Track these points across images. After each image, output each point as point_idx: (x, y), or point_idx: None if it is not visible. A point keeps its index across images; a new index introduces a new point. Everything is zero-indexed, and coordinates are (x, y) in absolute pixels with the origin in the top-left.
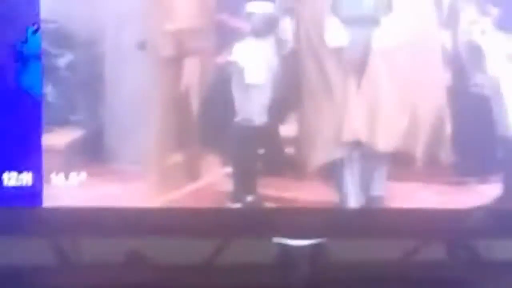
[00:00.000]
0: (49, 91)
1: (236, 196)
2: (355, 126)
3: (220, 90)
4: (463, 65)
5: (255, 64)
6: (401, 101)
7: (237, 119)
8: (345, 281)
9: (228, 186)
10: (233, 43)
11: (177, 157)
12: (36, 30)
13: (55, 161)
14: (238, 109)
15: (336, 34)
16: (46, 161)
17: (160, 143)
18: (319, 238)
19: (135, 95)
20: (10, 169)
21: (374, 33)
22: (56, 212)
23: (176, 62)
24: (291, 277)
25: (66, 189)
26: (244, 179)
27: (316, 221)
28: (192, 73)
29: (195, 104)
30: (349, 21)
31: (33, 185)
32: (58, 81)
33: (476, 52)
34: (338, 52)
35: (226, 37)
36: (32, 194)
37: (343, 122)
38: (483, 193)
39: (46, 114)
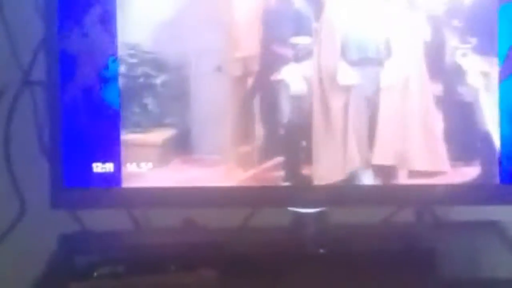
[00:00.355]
0: (149, 102)
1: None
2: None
3: (273, 100)
4: (450, 80)
5: (296, 81)
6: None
7: (284, 121)
8: (341, 239)
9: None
10: (281, 66)
11: (244, 149)
12: (115, 60)
13: (133, 153)
14: (285, 113)
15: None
16: (128, 153)
17: (231, 138)
18: (322, 207)
19: (212, 104)
20: (98, 160)
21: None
22: (130, 190)
23: (242, 80)
24: (302, 236)
25: (138, 174)
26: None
27: (320, 194)
28: (253, 88)
29: (256, 110)
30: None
31: (114, 172)
32: (156, 95)
33: (458, 70)
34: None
35: (276, 61)
36: (113, 178)
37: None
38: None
39: (147, 119)
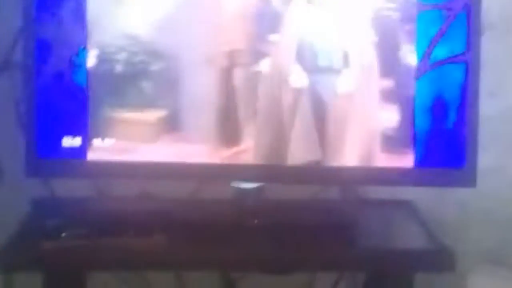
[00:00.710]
0: (145, 85)
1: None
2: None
3: (253, 87)
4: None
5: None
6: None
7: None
8: (275, 212)
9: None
10: (259, 60)
11: (227, 130)
12: (84, 48)
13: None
14: (260, 101)
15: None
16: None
17: (216, 119)
18: (260, 182)
19: (201, 90)
20: (68, 134)
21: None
22: (95, 163)
23: (228, 70)
24: (241, 208)
25: (103, 148)
26: None
27: (259, 172)
28: (238, 77)
29: (238, 95)
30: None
31: (81, 145)
32: (151, 79)
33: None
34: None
35: (256, 55)
36: (80, 151)
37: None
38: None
39: (143, 100)
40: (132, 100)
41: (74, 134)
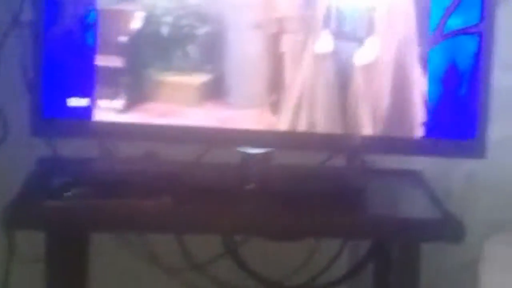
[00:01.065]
0: (191, 50)
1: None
2: None
3: (299, 55)
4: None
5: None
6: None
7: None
8: (281, 178)
9: None
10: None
11: (273, 97)
12: (93, 10)
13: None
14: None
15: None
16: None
17: (261, 86)
18: (266, 148)
19: (247, 55)
20: (74, 95)
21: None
22: (101, 124)
23: (277, 37)
24: (247, 173)
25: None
26: None
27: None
28: (285, 44)
29: (285, 62)
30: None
31: (88, 106)
32: (198, 43)
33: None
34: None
35: (303, 24)
36: (87, 112)
37: None
38: None
39: (188, 64)
40: (177, 63)
41: (81, 94)
